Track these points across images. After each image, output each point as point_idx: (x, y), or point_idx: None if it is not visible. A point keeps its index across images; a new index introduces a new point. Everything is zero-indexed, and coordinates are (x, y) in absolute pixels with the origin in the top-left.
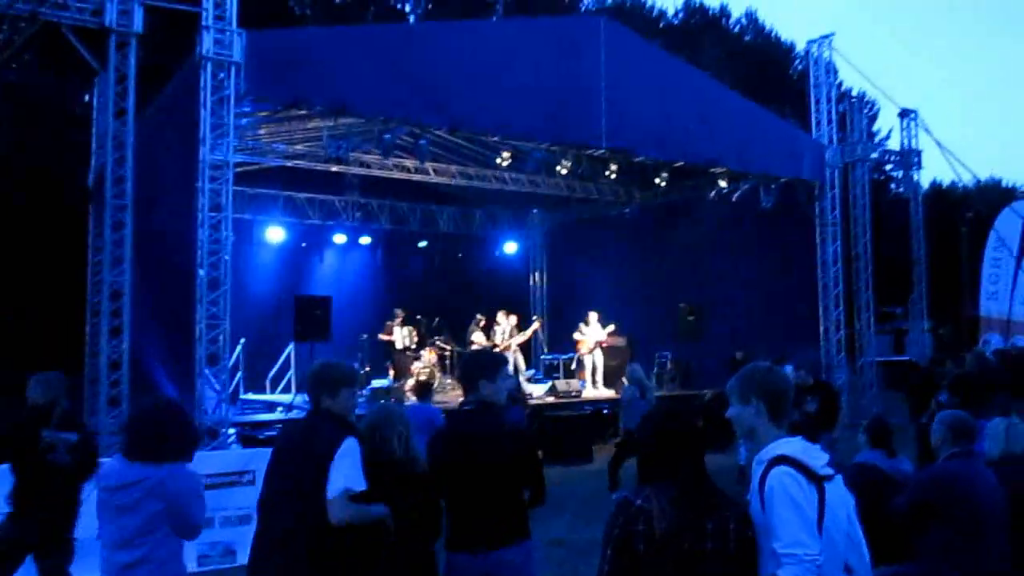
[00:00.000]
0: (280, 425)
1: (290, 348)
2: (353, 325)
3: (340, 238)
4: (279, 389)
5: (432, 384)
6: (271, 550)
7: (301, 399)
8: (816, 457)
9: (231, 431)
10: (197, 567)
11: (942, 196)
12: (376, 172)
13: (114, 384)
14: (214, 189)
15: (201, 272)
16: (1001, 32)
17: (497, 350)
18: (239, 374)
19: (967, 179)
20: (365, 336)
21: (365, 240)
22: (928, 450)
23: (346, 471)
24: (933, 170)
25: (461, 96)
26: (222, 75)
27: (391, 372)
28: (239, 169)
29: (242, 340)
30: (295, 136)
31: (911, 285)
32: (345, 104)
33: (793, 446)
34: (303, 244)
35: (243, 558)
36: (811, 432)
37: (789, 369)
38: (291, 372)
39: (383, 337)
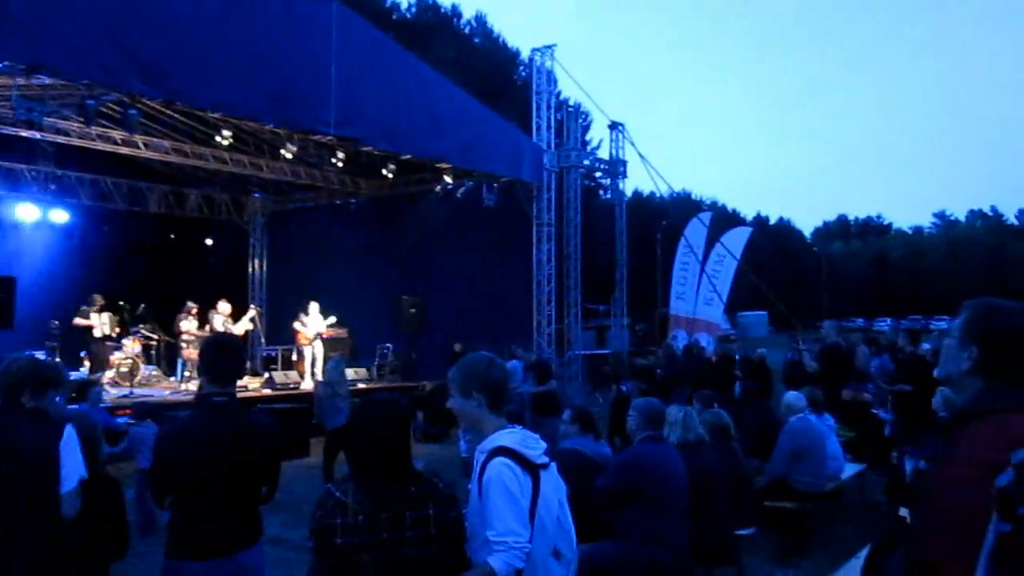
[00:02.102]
0: None
1: None
2: (42, 310)
3: (29, 212)
4: None
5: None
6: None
7: None
8: (533, 446)
9: None
10: None
11: (643, 204)
12: (76, 141)
13: None
14: None
15: None
16: (703, 64)
17: None
18: None
19: (664, 190)
20: (56, 323)
21: (60, 216)
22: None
23: (75, 461)
24: (636, 180)
25: (179, 67)
26: None
27: (87, 363)
28: None
29: None
30: None
31: (614, 285)
32: (42, 62)
33: (513, 436)
34: None
35: None
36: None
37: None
38: None
39: (79, 322)
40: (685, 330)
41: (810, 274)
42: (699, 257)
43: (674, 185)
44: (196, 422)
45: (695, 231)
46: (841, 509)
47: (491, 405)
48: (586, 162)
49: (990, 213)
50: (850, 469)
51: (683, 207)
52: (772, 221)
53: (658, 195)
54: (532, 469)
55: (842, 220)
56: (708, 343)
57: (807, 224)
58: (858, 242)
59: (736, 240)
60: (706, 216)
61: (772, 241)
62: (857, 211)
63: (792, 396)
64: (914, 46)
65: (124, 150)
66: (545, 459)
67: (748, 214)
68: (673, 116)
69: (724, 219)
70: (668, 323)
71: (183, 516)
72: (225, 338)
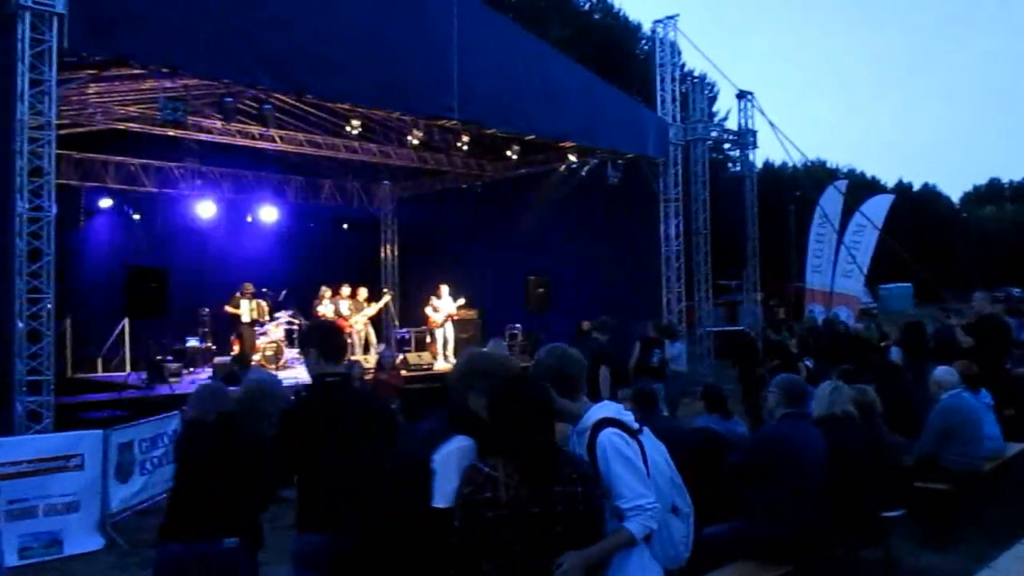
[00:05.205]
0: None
1: (123, 324)
2: (193, 298)
3: (179, 208)
4: (112, 368)
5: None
6: None
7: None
8: (627, 415)
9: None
10: (18, 560)
11: (773, 175)
12: (217, 138)
13: None
14: (34, 151)
15: (20, 242)
16: (832, 23)
17: (348, 324)
18: (66, 352)
19: (796, 159)
20: (207, 310)
21: (207, 210)
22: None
23: None
24: (766, 150)
25: (307, 61)
26: (42, 27)
27: (236, 347)
28: (64, 132)
29: (68, 318)
30: (128, 97)
31: (745, 259)
32: (179, 64)
33: (608, 409)
34: (136, 214)
35: (71, 548)
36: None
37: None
38: (125, 350)
39: (229, 310)
40: (822, 304)
41: (958, 242)
42: (836, 227)
43: (807, 153)
44: (310, 401)
45: (831, 200)
46: (1001, 491)
47: (561, 391)
48: (713, 134)
49: None
50: (1012, 448)
51: (817, 176)
52: (915, 187)
53: (790, 165)
54: (633, 435)
55: (994, 184)
56: (847, 317)
57: (955, 189)
58: (1012, 206)
59: (877, 208)
60: (842, 184)
61: (916, 208)
62: (1011, 174)
63: (942, 371)
64: None
65: (262, 144)
66: (637, 425)
67: (888, 181)
68: (804, 81)
69: (862, 187)
70: (803, 297)
71: (303, 490)
72: (325, 321)
